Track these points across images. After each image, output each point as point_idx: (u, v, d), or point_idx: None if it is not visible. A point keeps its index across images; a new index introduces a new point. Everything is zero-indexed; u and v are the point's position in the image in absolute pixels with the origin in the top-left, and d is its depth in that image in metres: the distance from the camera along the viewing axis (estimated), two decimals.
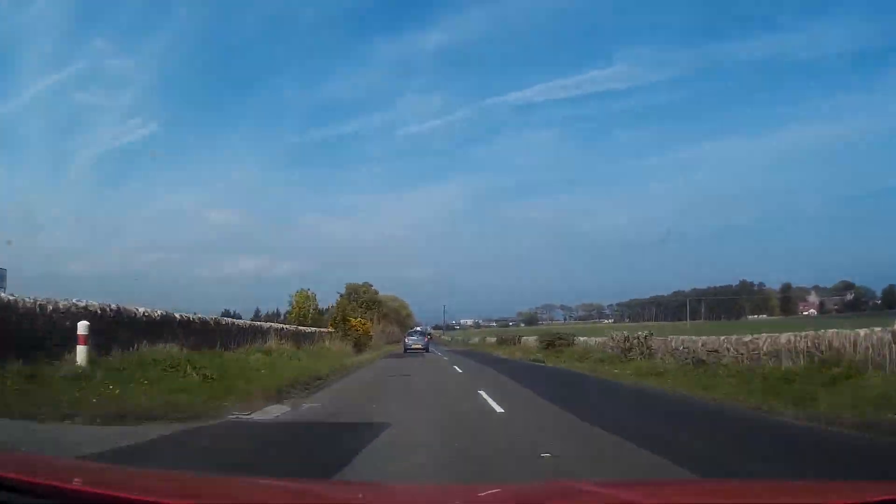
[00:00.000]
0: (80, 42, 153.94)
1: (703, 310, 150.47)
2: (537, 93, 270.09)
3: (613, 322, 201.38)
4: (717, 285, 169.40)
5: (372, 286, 69.36)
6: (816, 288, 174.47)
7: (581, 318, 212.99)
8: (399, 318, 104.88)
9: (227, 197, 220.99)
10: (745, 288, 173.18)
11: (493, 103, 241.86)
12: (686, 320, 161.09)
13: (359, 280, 66.13)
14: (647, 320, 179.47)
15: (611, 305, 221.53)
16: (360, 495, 2.76)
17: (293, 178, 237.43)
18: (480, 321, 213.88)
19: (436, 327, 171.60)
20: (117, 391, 9.86)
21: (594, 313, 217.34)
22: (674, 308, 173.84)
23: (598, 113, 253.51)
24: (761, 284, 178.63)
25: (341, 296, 56.56)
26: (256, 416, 10.16)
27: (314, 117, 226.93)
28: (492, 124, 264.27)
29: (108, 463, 5.35)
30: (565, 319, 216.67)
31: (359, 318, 44.49)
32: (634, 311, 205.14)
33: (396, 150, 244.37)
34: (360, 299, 61.90)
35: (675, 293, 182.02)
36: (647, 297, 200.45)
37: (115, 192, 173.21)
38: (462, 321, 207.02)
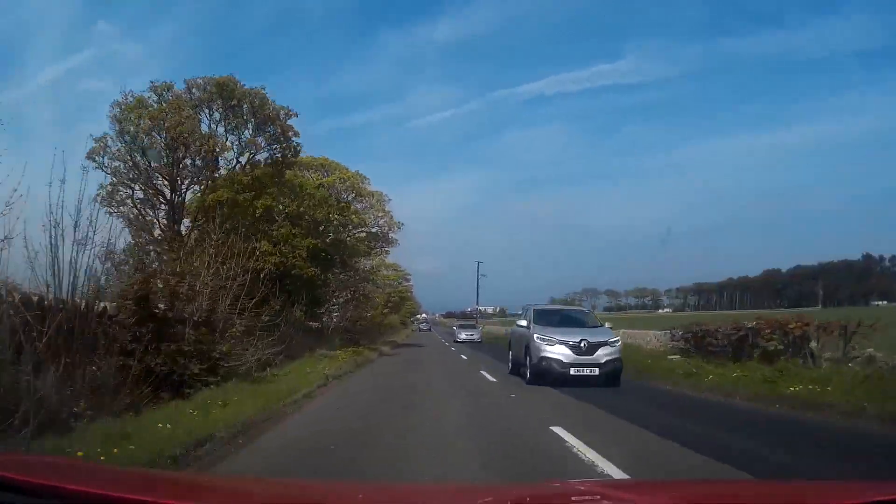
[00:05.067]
0: (88, 29, 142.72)
1: (820, 293, 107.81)
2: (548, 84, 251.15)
3: (672, 311, 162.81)
4: (832, 260, 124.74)
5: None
6: None
7: (630, 308, 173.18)
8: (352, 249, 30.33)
9: None
10: (871, 264, 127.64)
11: (503, 95, 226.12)
12: (774, 307, 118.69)
13: None
14: (724, 308, 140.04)
15: (669, 291, 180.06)
16: (360, 495, 2.76)
17: None
18: (506, 309, 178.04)
19: (448, 314, 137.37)
20: None
21: (648, 301, 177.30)
22: (769, 293, 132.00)
23: (642, 95, 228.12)
24: (893, 258, 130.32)
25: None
26: None
27: (323, 109, 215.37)
28: (508, 115, 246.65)
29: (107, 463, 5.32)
30: (610, 309, 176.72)
31: None
32: (702, 297, 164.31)
33: (409, 142, 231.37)
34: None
35: (766, 273, 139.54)
36: (723, 279, 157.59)
37: None
38: (482, 308, 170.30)
